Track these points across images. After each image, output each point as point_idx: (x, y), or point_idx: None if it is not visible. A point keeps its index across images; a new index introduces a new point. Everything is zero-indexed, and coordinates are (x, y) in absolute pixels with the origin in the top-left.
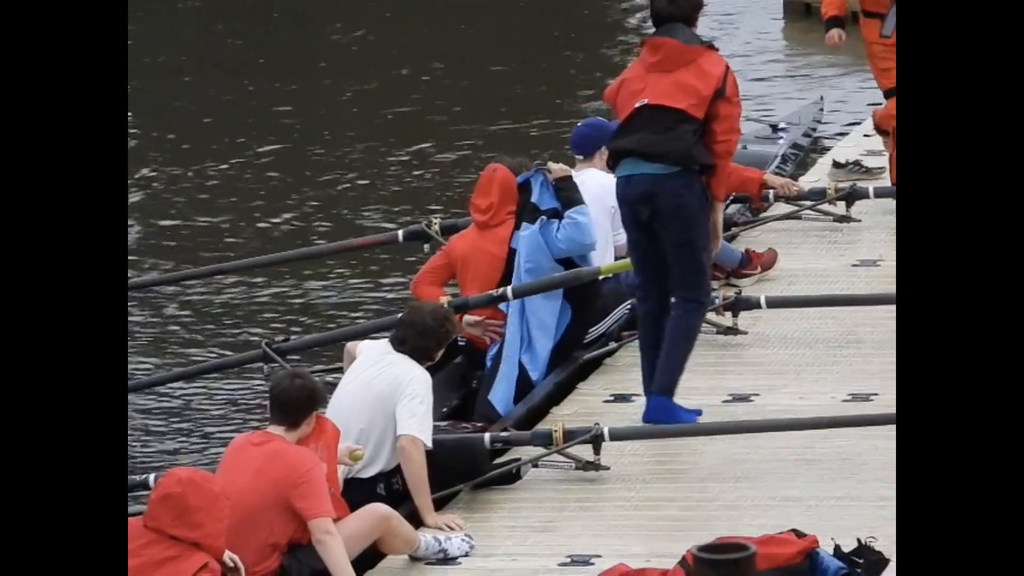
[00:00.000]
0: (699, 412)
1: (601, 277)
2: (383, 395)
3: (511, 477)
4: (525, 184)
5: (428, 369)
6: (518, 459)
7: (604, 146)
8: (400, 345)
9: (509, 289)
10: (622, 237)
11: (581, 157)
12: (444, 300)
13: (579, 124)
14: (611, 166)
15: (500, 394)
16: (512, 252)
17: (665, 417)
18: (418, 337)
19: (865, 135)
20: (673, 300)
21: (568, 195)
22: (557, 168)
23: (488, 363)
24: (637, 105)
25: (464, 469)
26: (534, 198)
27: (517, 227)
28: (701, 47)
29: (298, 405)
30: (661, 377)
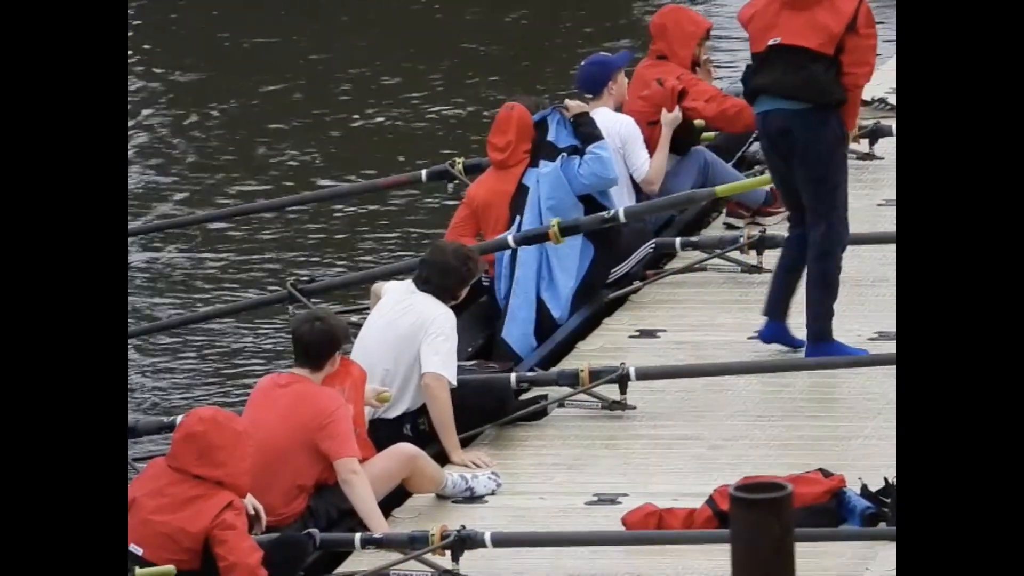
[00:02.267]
0: (864, 352)
1: (719, 197)
2: (407, 335)
3: (537, 414)
4: (541, 123)
5: (453, 309)
6: (544, 396)
7: (610, 81)
8: (423, 284)
9: (621, 211)
10: (637, 173)
11: (590, 96)
12: (555, 222)
13: (583, 63)
14: (749, 101)
15: (517, 332)
16: (521, 189)
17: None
18: (441, 276)
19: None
20: (809, 243)
21: (587, 131)
22: (574, 105)
23: (501, 302)
24: (770, 43)
25: (490, 409)
26: (550, 136)
27: (532, 164)
28: None
29: (318, 347)
30: (810, 327)
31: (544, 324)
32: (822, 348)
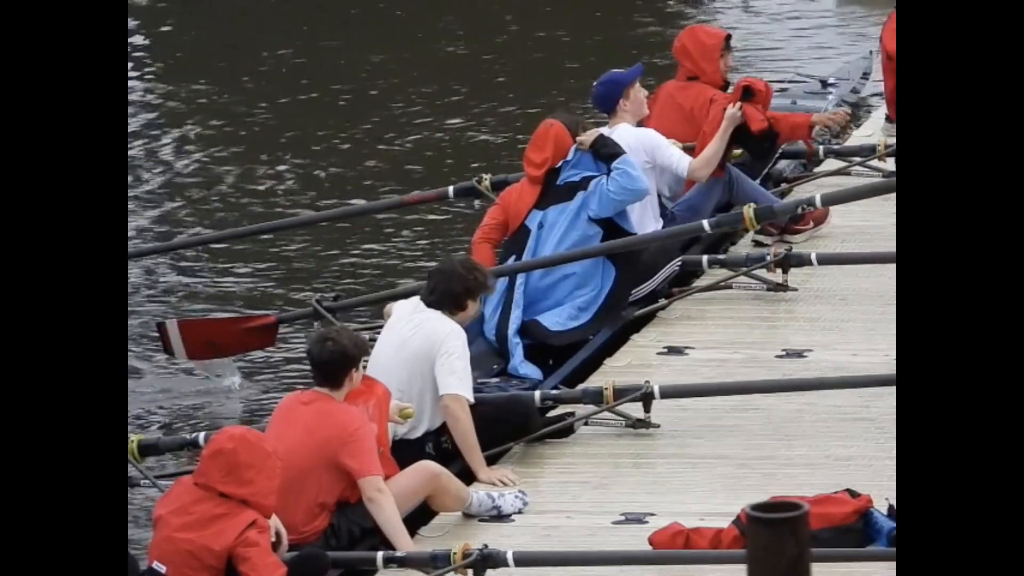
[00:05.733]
0: None
1: None
2: (418, 354)
3: (563, 432)
4: (555, 170)
5: (475, 325)
6: (571, 413)
7: (621, 99)
8: (429, 295)
9: (818, 196)
10: (680, 171)
11: (606, 115)
12: (750, 207)
13: (595, 84)
14: None
15: (518, 363)
16: (522, 230)
17: None
18: (447, 282)
19: None
20: None
21: (607, 151)
22: (587, 136)
23: (488, 332)
24: None
25: (515, 426)
26: (560, 180)
27: (537, 206)
28: None
29: (332, 367)
30: None
31: (540, 341)
32: None
